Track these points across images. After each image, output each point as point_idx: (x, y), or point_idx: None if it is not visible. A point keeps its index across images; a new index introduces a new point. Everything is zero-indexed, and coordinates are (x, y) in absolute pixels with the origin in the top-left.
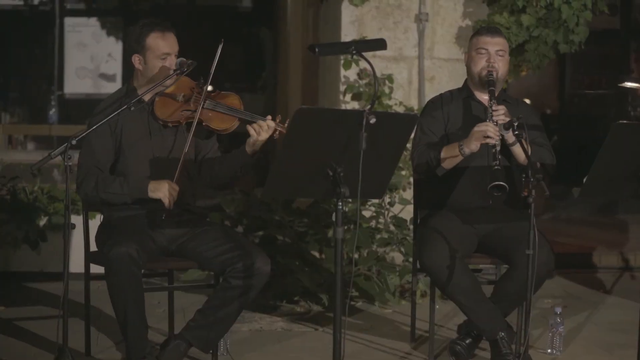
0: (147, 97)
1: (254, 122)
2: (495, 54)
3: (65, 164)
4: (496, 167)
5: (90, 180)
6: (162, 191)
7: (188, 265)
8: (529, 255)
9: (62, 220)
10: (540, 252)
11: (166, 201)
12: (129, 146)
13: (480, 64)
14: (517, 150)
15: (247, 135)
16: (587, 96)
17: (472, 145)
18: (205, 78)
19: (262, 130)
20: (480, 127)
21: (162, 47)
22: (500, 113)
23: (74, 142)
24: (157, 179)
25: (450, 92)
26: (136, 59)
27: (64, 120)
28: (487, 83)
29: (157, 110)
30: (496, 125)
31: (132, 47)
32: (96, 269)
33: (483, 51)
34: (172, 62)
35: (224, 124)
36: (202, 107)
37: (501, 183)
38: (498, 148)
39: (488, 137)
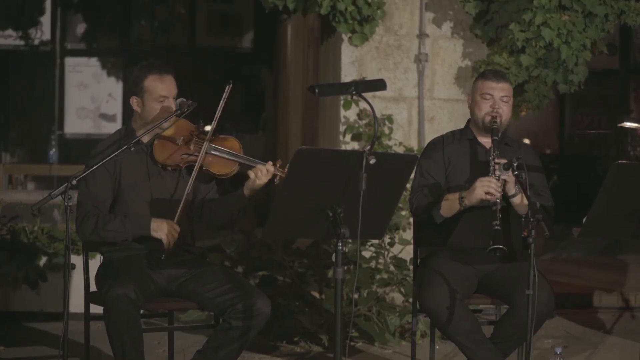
0: (145, 139)
1: (254, 167)
2: (500, 99)
3: (66, 204)
4: (496, 228)
5: (90, 220)
6: (163, 230)
7: (188, 306)
8: (529, 296)
9: (62, 260)
10: (540, 292)
11: (166, 241)
12: (127, 188)
13: (485, 109)
14: (517, 201)
15: (247, 177)
16: (587, 136)
17: (473, 200)
18: (204, 120)
19: (262, 174)
20: (482, 182)
21: (160, 90)
22: (503, 170)
23: (74, 182)
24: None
25: (452, 132)
26: (134, 101)
27: (64, 160)
28: (491, 131)
29: (156, 153)
30: (498, 180)
31: (131, 88)
32: (96, 309)
33: (488, 96)
34: (169, 104)
35: (224, 168)
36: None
37: (501, 247)
38: (499, 206)
39: (489, 193)
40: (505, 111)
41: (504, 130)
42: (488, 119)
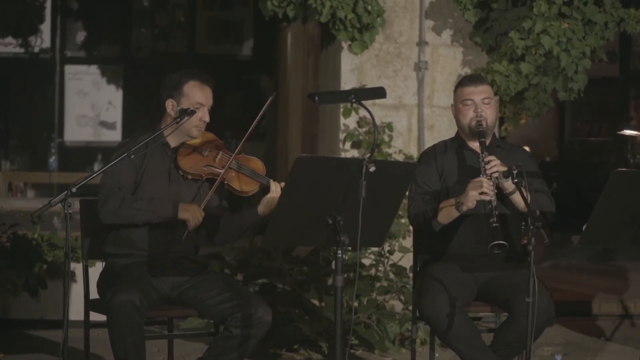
0: (172, 144)
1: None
2: (481, 102)
3: (65, 211)
4: (494, 225)
5: (115, 199)
6: (191, 212)
7: (188, 314)
8: (529, 303)
9: (61, 267)
10: (540, 299)
11: (192, 222)
12: (148, 185)
13: (469, 115)
14: (517, 198)
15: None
16: (587, 143)
17: (469, 203)
18: (231, 138)
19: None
20: (475, 184)
21: (198, 96)
22: (493, 165)
23: (74, 189)
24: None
25: (445, 142)
26: (169, 104)
27: (64, 168)
28: (477, 134)
29: (181, 160)
30: (490, 179)
31: (169, 92)
32: (96, 316)
33: (469, 102)
34: (204, 114)
35: (246, 186)
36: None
37: (501, 242)
38: (494, 204)
39: (483, 192)
40: (489, 113)
41: (501, 137)
42: (473, 123)
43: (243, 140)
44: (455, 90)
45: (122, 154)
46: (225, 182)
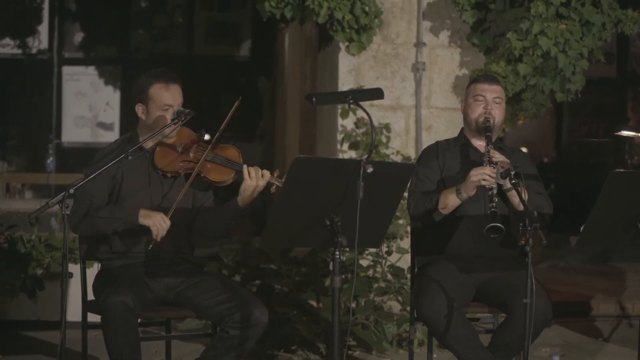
0: (148, 146)
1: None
2: (492, 101)
3: (63, 212)
4: (493, 210)
5: (81, 210)
6: (153, 219)
7: (185, 314)
8: (527, 304)
9: (59, 269)
10: (538, 300)
11: (154, 230)
12: (129, 193)
13: (478, 111)
14: (514, 197)
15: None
16: (585, 144)
17: (469, 189)
18: (205, 130)
19: (255, 175)
20: (476, 171)
21: (165, 98)
22: (498, 155)
23: (71, 190)
24: None
25: (447, 140)
26: (139, 109)
27: (61, 169)
28: (484, 129)
29: (157, 159)
30: (494, 167)
31: (136, 96)
32: (94, 317)
33: (480, 98)
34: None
35: (221, 176)
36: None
37: (498, 225)
38: (495, 191)
39: (484, 179)
40: (497, 113)
41: (499, 138)
42: (481, 119)
43: (217, 133)
44: (468, 86)
45: (101, 167)
46: (202, 174)
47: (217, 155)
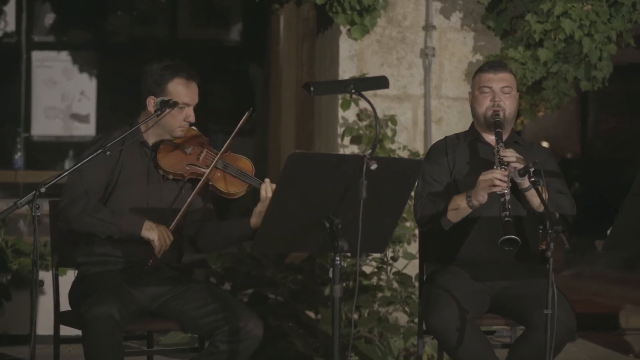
0: (150, 141)
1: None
2: (500, 91)
3: (33, 214)
4: (506, 219)
5: (77, 204)
6: (157, 232)
7: (169, 327)
8: (548, 316)
9: (28, 276)
10: (559, 311)
11: (157, 245)
12: (124, 187)
13: (485, 104)
14: (533, 196)
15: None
16: (612, 138)
17: (480, 197)
18: (216, 133)
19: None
20: (486, 176)
21: (184, 96)
22: (509, 155)
23: (43, 189)
24: None
25: (457, 135)
26: (151, 102)
27: (31, 166)
28: (493, 124)
29: (161, 158)
30: (505, 170)
31: (150, 87)
32: (67, 331)
33: (487, 89)
34: (189, 114)
35: (232, 187)
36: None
37: (513, 237)
38: (507, 197)
39: (494, 185)
40: (507, 104)
41: (517, 132)
42: (489, 113)
43: (231, 137)
44: (473, 76)
45: (96, 151)
46: (210, 182)
47: (228, 164)
